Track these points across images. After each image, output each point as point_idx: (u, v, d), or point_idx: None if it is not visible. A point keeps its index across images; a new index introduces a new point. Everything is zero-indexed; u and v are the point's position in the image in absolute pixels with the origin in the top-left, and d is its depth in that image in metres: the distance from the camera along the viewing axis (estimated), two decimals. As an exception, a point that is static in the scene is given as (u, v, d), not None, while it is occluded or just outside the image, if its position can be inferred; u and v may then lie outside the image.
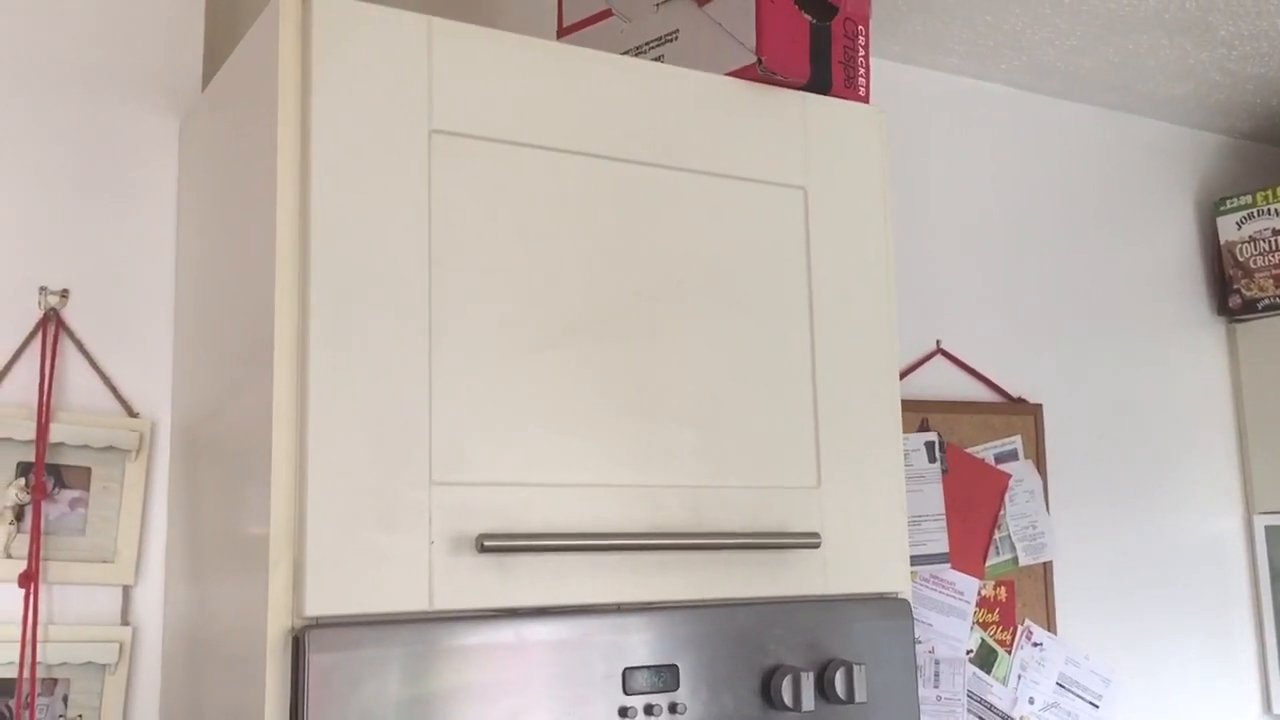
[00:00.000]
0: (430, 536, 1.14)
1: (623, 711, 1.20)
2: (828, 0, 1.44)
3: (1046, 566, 2.28)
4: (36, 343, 1.41)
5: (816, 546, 1.33)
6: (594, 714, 1.19)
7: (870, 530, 1.39)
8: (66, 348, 1.43)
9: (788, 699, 1.26)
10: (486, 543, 1.14)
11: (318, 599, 1.09)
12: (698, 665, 1.25)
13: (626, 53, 1.52)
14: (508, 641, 1.17)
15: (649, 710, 1.21)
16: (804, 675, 1.27)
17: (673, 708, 1.23)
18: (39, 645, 1.35)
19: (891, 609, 1.39)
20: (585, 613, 1.21)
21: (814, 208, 1.42)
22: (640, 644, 1.23)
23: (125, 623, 1.42)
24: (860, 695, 1.30)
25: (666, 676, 1.23)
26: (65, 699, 1.37)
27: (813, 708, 1.27)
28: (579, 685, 1.19)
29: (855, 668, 1.30)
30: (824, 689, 1.30)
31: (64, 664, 1.37)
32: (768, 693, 1.28)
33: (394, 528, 1.13)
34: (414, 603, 1.13)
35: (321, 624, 1.09)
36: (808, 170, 1.43)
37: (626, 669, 1.22)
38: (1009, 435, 2.29)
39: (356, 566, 1.11)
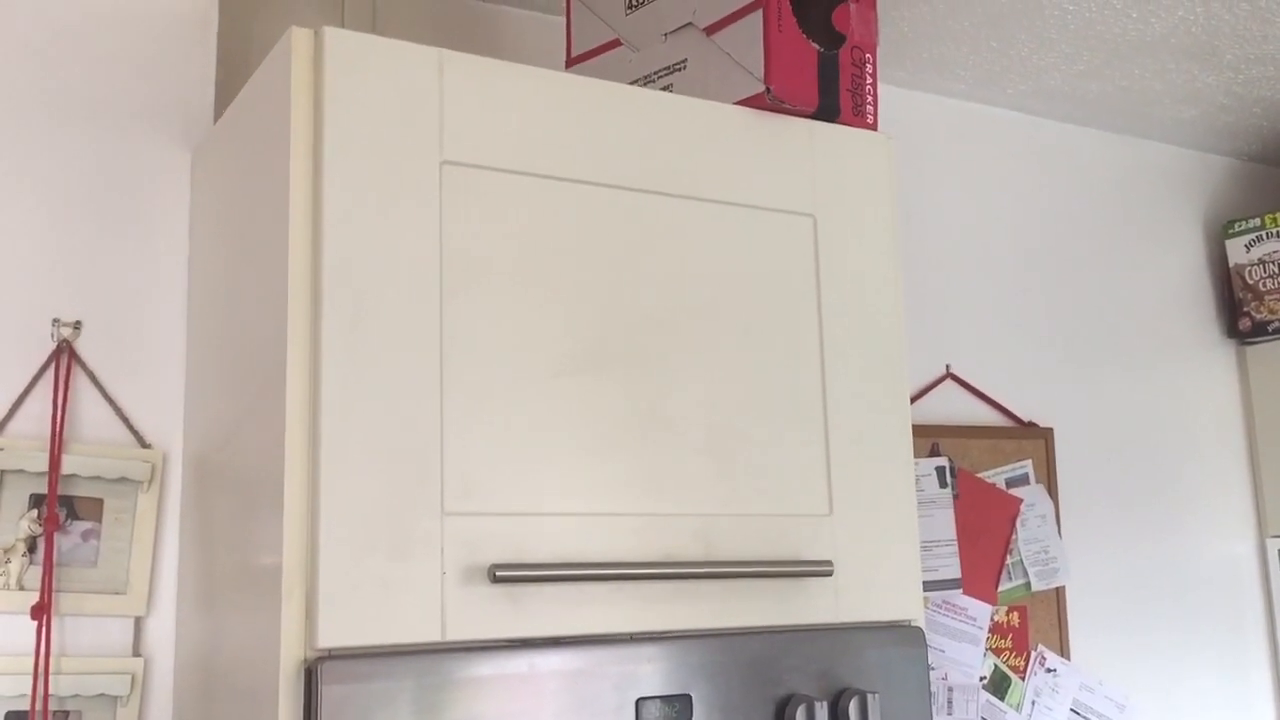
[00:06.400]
0: (443, 567, 1.14)
1: (636, 742, 1.20)
2: (835, 29, 1.45)
3: (1059, 591, 2.27)
4: (49, 374, 1.42)
5: (829, 574, 1.32)
6: (607, 745, 1.19)
7: (883, 558, 1.39)
8: (79, 379, 1.44)
9: (802, 728, 1.26)
10: (499, 573, 1.14)
11: (331, 630, 1.09)
12: (711, 695, 1.25)
13: (635, 82, 1.53)
14: (521, 672, 1.16)
15: (662, 740, 1.21)
16: (818, 704, 1.27)
17: (686, 738, 1.22)
18: (51, 677, 1.35)
19: (905, 637, 1.38)
20: (598, 643, 1.21)
21: (823, 235, 1.43)
22: (653, 674, 1.22)
23: (137, 654, 1.42)
24: (874, 724, 1.29)
25: (679, 707, 1.23)
26: (77, 731, 1.37)
27: (827, 737, 1.27)
28: (592, 716, 1.18)
29: (869, 696, 1.29)
30: (838, 718, 1.29)
31: (76, 696, 1.37)
32: (781, 722, 1.27)
33: (406, 558, 1.13)
34: (427, 634, 1.12)
35: (335, 656, 1.09)
36: (816, 198, 1.43)
37: (640, 699, 1.21)
38: (1020, 459, 2.28)
39: (369, 597, 1.11)
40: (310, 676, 1.08)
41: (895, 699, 1.34)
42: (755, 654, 1.28)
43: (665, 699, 1.22)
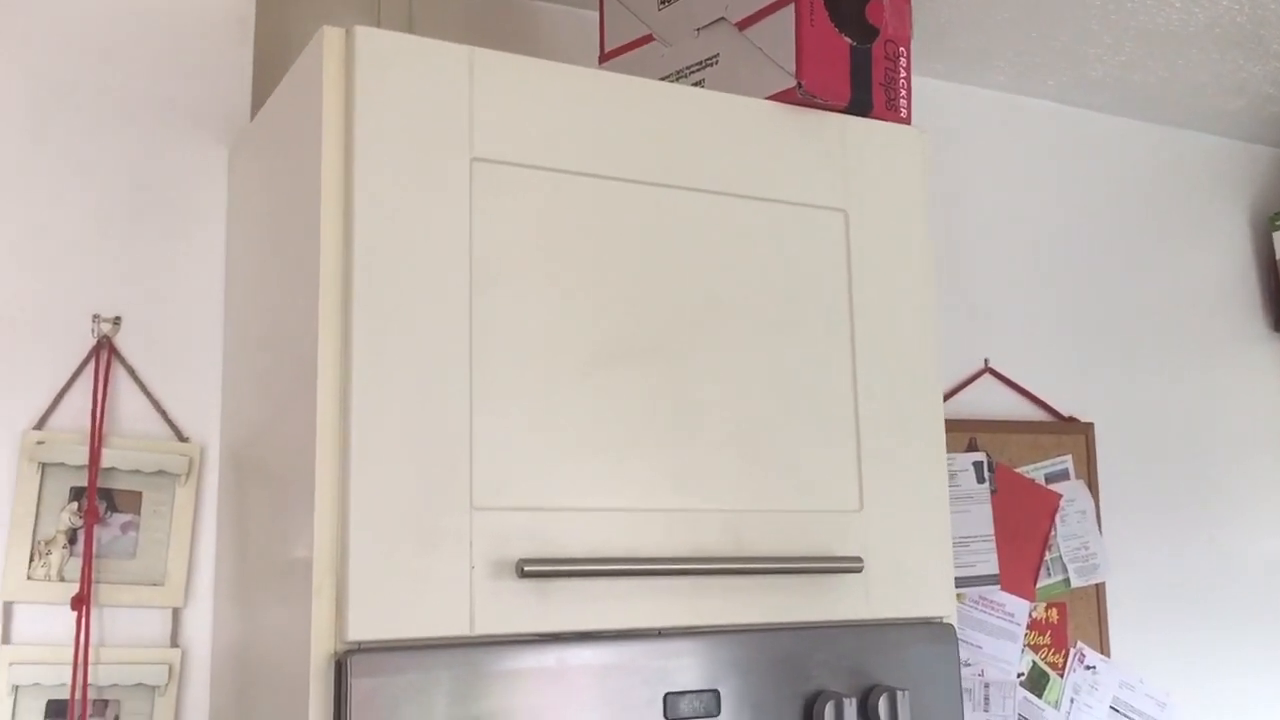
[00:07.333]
0: (471, 561, 1.15)
1: (664, 737, 1.20)
2: (868, 22, 1.44)
3: (1099, 588, 2.25)
4: (89, 369, 1.44)
5: (859, 571, 1.32)
6: (635, 739, 1.19)
7: (914, 554, 1.38)
8: (118, 374, 1.46)
9: (830, 725, 1.26)
10: (527, 567, 1.15)
11: (360, 623, 1.10)
12: (739, 690, 1.25)
13: (667, 77, 1.53)
14: (549, 666, 1.17)
15: (690, 735, 1.22)
16: (847, 701, 1.26)
17: (714, 733, 1.23)
18: (90, 667, 1.38)
19: (936, 633, 1.38)
20: (626, 637, 1.21)
21: (855, 230, 1.42)
22: (681, 669, 1.23)
23: (175, 645, 1.44)
24: (904, 721, 1.29)
25: (708, 701, 1.23)
26: (116, 719, 1.39)
27: (855, 733, 1.26)
28: (620, 710, 1.19)
29: (899, 693, 1.29)
30: (867, 715, 1.29)
31: (115, 685, 1.39)
32: (810, 718, 1.27)
33: (435, 552, 1.14)
34: (455, 627, 1.13)
35: (364, 648, 1.10)
36: (848, 193, 1.42)
37: (668, 694, 1.21)
38: (1059, 455, 2.26)
39: (398, 591, 1.12)
40: (340, 669, 1.09)
41: (926, 696, 1.34)
42: (784, 650, 1.28)
43: (694, 694, 1.23)
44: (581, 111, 1.28)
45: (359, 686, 1.08)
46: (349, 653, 1.09)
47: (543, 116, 1.26)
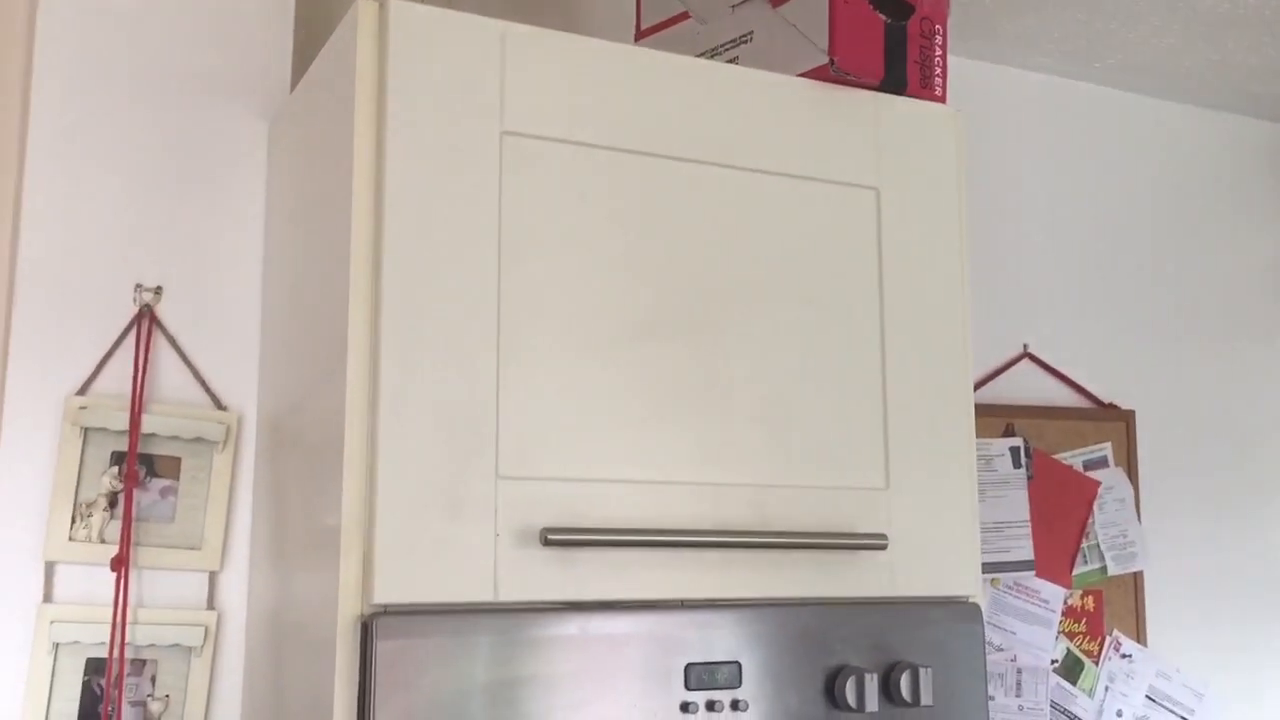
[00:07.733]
0: (496, 529, 1.16)
1: (684, 707, 1.21)
2: (904, 0, 1.44)
3: (1137, 576, 2.23)
4: (131, 337, 1.47)
5: (883, 548, 1.32)
6: (656, 708, 1.20)
7: (940, 533, 1.38)
8: (159, 342, 1.49)
9: (851, 700, 1.26)
10: (551, 536, 1.16)
11: (386, 587, 1.12)
12: (761, 663, 1.26)
13: (703, 54, 1.53)
14: (571, 634, 1.18)
15: (711, 706, 1.22)
16: (868, 676, 1.27)
17: (735, 705, 1.23)
18: (129, 627, 1.41)
19: (961, 613, 1.38)
20: (649, 608, 1.22)
21: (886, 209, 1.42)
22: (703, 640, 1.24)
23: (211, 607, 1.47)
24: (926, 698, 1.29)
25: (730, 673, 1.24)
26: (153, 679, 1.43)
27: (876, 709, 1.27)
28: (641, 679, 1.20)
29: (921, 670, 1.29)
30: (889, 691, 1.29)
31: (152, 645, 1.43)
32: (831, 693, 1.28)
33: (461, 520, 1.15)
34: (479, 593, 1.15)
35: (389, 612, 1.12)
36: (880, 171, 1.42)
37: (689, 665, 1.22)
38: (1099, 442, 2.24)
39: (424, 557, 1.13)
40: (366, 631, 1.11)
41: (949, 674, 1.34)
42: (807, 624, 1.29)
43: (715, 665, 1.24)
44: (612, 87, 1.29)
45: (384, 648, 1.10)
46: (375, 615, 1.11)
47: (574, 91, 1.27)
